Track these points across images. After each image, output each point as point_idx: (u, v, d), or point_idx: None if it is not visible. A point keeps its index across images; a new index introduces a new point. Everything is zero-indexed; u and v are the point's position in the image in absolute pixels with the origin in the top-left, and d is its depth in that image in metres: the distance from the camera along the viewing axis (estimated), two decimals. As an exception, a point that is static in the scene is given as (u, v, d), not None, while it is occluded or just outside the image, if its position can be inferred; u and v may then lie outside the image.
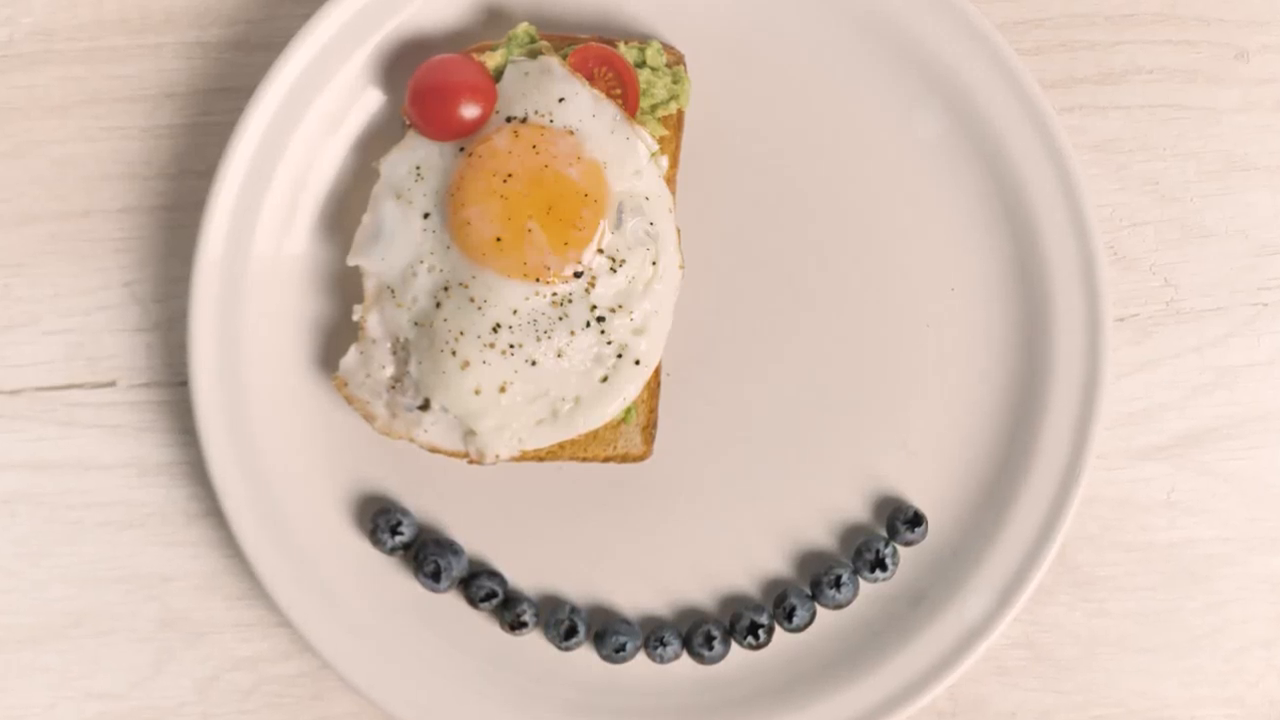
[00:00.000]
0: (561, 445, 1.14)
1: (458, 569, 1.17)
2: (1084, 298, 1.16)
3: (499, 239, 1.08)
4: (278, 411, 1.17)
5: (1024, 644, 1.21)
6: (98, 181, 1.20)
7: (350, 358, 1.13)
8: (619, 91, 1.12)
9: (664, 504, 1.18)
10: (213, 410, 1.15)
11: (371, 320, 1.12)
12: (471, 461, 1.13)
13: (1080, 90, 1.20)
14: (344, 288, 1.17)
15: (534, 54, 1.13)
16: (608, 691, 1.18)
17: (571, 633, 1.17)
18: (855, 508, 1.19)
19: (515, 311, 1.09)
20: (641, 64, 1.14)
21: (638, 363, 1.12)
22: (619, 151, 1.11)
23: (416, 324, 1.11)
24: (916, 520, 1.17)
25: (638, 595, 1.18)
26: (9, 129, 1.20)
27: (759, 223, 1.18)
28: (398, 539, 1.16)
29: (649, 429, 1.16)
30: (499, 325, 1.09)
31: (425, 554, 1.16)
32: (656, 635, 1.17)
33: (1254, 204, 1.21)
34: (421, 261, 1.11)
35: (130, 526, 1.20)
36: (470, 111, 1.10)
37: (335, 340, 1.17)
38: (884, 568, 1.17)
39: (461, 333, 1.09)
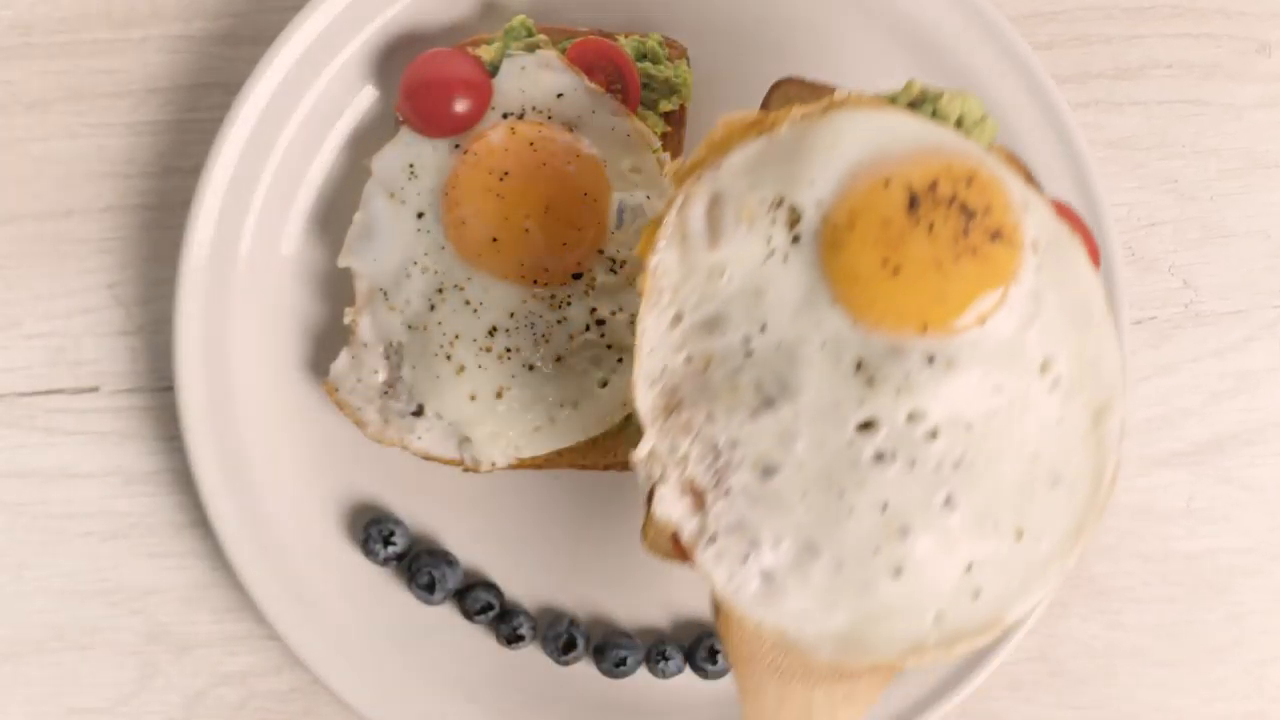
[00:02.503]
0: (560, 452, 1.12)
1: (453, 581, 1.15)
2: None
3: (495, 239, 1.07)
4: (266, 418, 1.15)
5: (1038, 657, 1.20)
6: (79, 180, 1.18)
7: (341, 362, 1.12)
8: (619, 86, 1.11)
9: None
10: (199, 416, 1.14)
11: (363, 323, 1.11)
12: (467, 469, 1.11)
13: (1096, 85, 1.19)
14: (335, 290, 1.16)
15: (531, 47, 1.11)
16: (607, 707, 1.17)
17: (570, 646, 1.15)
18: (864, 517, 1.17)
19: (512, 314, 1.08)
20: (642, 57, 1.12)
21: None
22: (619, 148, 1.10)
23: (410, 327, 1.10)
24: (927, 530, 1.15)
25: (639, 607, 1.17)
26: (-13, 125, 1.19)
27: (764, 222, 1.16)
28: (391, 550, 1.15)
29: None
30: (495, 328, 1.08)
31: (419, 565, 1.15)
32: (658, 649, 1.16)
33: (1276, 203, 1.20)
34: (415, 263, 1.09)
35: (114, 537, 1.19)
36: (465, 107, 1.09)
37: (326, 344, 1.16)
38: (893, 579, 1.15)
39: (456, 336, 1.08)
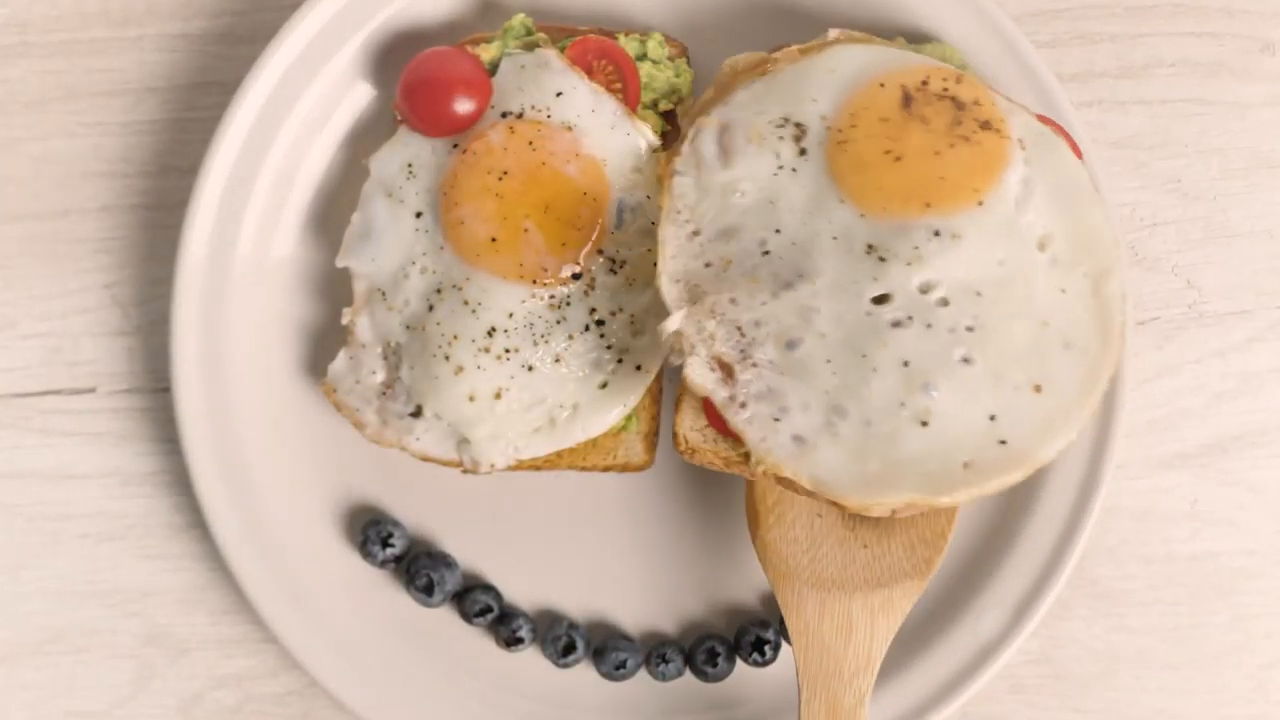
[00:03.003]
0: (559, 454, 1.11)
1: (451, 583, 1.15)
2: (1103, 300, 1.13)
3: (494, 239, 1.06)
4: (264, 419, 1.15)
5: (1041, 660, 1.19)
6: (76, 179, 1.18)
7: (339, 363, 1.11)
8: (619, 85, 1.10)
9: (667, 515, 1.16)
10: (196, 418, 1.13)
11: (361, 324, 1.10)
12: (465, 471, 1.10)
13: (1099, 84, 1.18)
14: (332, 290, 1.15)
15: (531, 46, 1.11)
16: (607, 709, 1.16)
17: (570, 649, 1.15)
18: (865, 519, 1.16)
19: (511, 315, 1.07)
20: (643, 56, 1.11)
21: (639, 368, 1.09)
22: (619, 148, 1.09)
23: (408, 328, 1.09)
24: (929, 532, 1.15)
25: (639, 610, 1.16)
26: (-16, 125, 1.18)
27: (765, 222, 1.16)
28: (389, 551, 1.14)
29: (651, 437, 1.13)
30: (494, 329, 1.07)
31: (417, 567, 1.14)
32: (658, 652, 1.15)
33: None
34: (413, 263, 1.08)
35: (110, 539, 1.18)
36: (464, 106, 1.08)
37: (323, 345, 1.15)
38: (895, 581, 1.15)
39: (455, 337, 1.07)
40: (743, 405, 1.01)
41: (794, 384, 1.00)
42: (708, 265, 1.02)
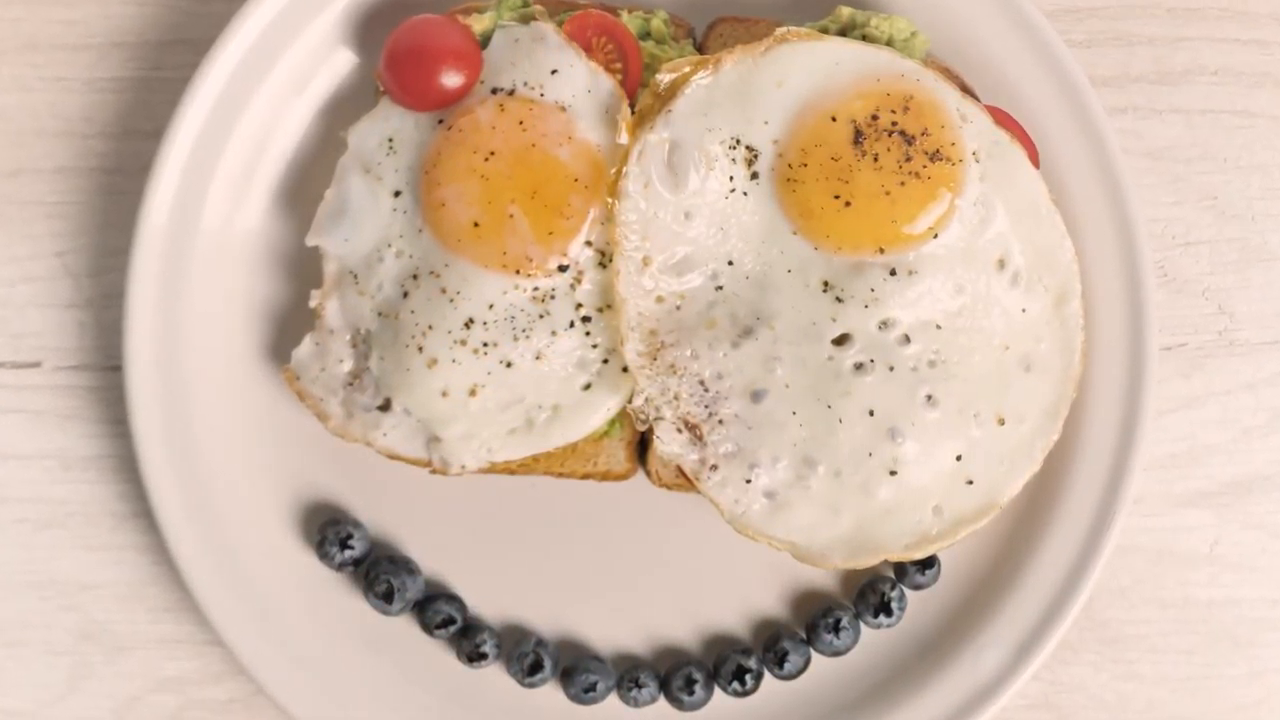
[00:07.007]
0: (536, 458, 1.09)
1: (413, 591, 1.13)
2: (1127, 323, 1.11)
3: (476, 224, 1.04)
4: (220, 404, 1.13)
5: (1043, 705, 1.16)
6: (30, 137, 1.16)
7: (304, 349, 1.09)
8: (619, 65, 1.08)
9: (647, 529, 1.14)
10: (148, 399, 1.11)
11: (330, 308, 1.08)
12: (434, 471, 1.08)
13: (1135, 90, 1.17)
14: (301, 270, 1.14)
15: (526, 19, 1.08)
16: None
17: (536, 668, 1.12)
18: (861, 544, 1.16)
19: (491, 306, 1.04)
20: (645, 35, 1.10)
21: (626, 369, 1.06)
22: (615, 132, 1.06)
23: (380, 315, 1.06)
24: (928, 562, 1.13)
25: (613, 630, 1.14)
26: (-66, 76, 1.17)
27: (767, 220, 1.15)
28: (348, 554, 1.12)
29: (634, 444, 1.11)
30: (472, 321, 1.04)
31: (377, 572, 1.12)
32: (631, 675, 1.13)
33: (1323, 226, 1.18)
34: (389, 245, 1.06)
35: (49, 526, 1.15)
36: (452, 80, 1.05)
37: (288, 328, 1.14)
38: (889, 612, 1.13)
39: (430, 327, 1.05)
40: (714, 468, 1.04)
41: (763, 436, 1.03)
42: (659, 300, 1.04)
